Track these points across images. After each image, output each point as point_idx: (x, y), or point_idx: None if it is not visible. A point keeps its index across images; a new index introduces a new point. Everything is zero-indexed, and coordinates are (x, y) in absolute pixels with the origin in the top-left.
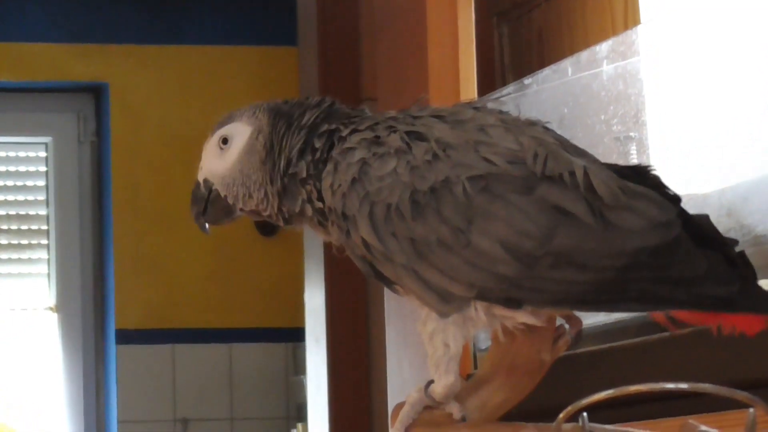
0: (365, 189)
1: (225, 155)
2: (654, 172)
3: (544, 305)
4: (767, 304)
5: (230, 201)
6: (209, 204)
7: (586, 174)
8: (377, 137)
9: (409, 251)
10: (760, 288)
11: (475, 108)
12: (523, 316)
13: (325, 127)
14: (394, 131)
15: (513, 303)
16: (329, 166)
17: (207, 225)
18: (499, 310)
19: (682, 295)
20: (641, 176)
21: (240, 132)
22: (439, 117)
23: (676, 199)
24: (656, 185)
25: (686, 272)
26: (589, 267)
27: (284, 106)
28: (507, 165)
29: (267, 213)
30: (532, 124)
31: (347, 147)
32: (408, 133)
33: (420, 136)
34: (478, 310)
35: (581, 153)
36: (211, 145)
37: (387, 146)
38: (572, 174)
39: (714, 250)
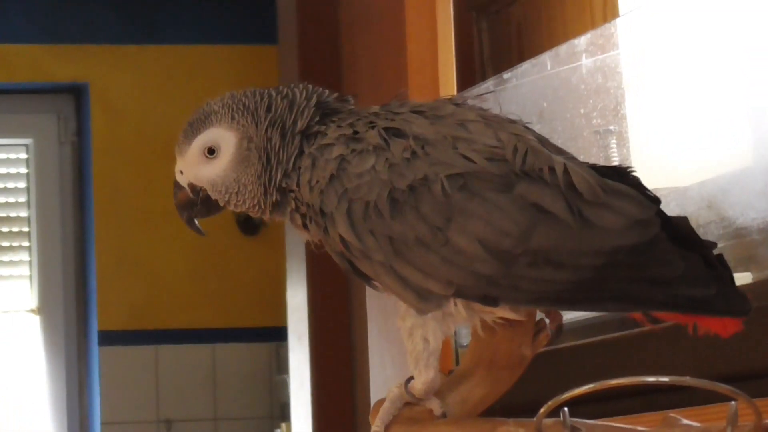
0: (343, 186)
1: (214, 163)
2: (634, 174)
3: (521, 303)
4: (743, 307)
5: (221, 203)
6: (200, 204)
7: (566, 170)
8: (356, 132)
9: (387, 249)
10: (736, 290)
11: (456, 104)
12: (503, 311)
13: (315, 128)
14: (373, 127)
15: (490, 301)
16: (306, 162)
17: (200, 227)
18: (479, 306)
19: (659, 296)
20: (621, 177)
21: (225, 139)
22: (419, 113)
23: (655, 201)
24: (636, 186)
25: (663, 272)
26: (567, 266)
27: (267, 112)
28: (486, 162)
29: (257, 216)
30: (512, 121)
31: (325, 143)
32: (386, 129)
33: (399, 133)
34: (457, 306)
35: (560, 151)
36: (193, 153)
37: (365, 143)
38: (552, 170)
39: (692, 251)
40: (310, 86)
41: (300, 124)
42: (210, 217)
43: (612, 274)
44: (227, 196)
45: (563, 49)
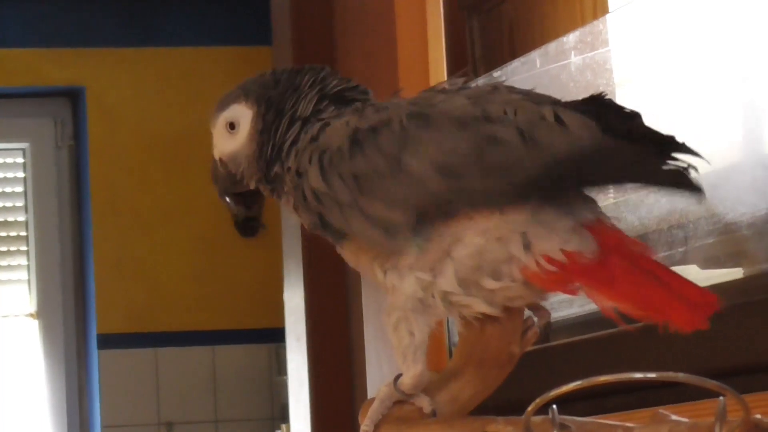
0: (318, 145)
1: (234, 137)
2: (607, 98)
3: (478, 207)
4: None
5: (237, 177)
6: (227, 177)
7: (516, 111)
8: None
9: (353, 187)
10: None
11: (443, 92)
12: (479, 305)
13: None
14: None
15: (449, 214)
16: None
17: (231, 202)
18: (456, 299)
19: (615, 178)
20: (598, 105)
21: (244, 115)
22: (412, 104)
23: (633, 116)
24: (608, 106)
25: (614, 163)
26: (519, 173)
27: (273, 90)
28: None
29: (266, 193)
30: (495, 88)
31: (320, 118)
32: (372, 105)
33: (380, 107)
34: (435, 297)
35: (546, 99)
36: (219, 127)
37: (348, 112)
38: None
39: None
40: (324, 73)
41: (301, 110)
42: (240, 191)
43: (565, 174)
44: (240, 169)
45: (552, 46)
